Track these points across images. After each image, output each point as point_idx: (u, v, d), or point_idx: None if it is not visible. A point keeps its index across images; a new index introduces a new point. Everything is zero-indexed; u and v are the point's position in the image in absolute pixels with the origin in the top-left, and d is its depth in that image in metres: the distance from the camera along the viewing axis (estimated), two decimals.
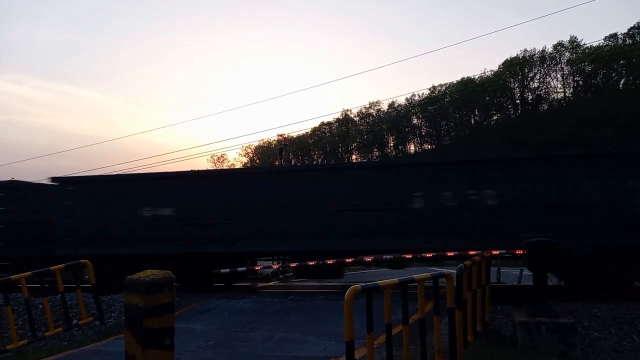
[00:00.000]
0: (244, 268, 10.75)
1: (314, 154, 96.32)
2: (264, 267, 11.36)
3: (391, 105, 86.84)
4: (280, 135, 35.85)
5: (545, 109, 72.23)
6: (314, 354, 5.89)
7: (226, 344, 6.58)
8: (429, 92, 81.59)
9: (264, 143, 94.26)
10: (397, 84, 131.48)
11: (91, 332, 7.85)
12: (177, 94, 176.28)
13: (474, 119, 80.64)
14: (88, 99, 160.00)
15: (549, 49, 71.52)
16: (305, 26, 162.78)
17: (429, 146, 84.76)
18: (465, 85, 73.72)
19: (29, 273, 7.43)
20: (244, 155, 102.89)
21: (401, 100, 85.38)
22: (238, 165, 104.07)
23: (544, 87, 73.15)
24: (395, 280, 4.51)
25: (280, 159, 34.01)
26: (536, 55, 71.99)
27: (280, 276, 14.17)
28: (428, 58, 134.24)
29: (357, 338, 4.01)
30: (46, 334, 7.37)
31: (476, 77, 75.25)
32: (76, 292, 8.09)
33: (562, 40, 71.02)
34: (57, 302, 8.40)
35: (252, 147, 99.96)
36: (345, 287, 11.10)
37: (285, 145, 35.77)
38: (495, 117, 77.98)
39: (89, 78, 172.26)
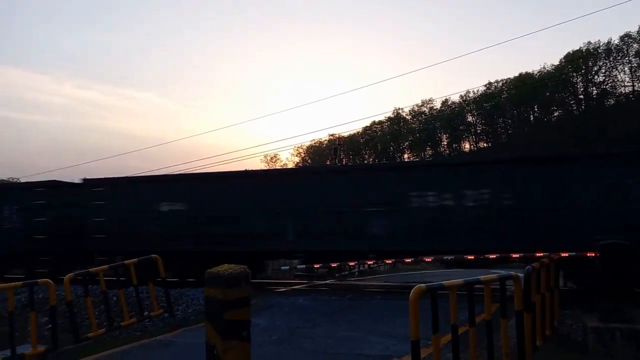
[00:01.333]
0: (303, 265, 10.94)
1: (365, 154, 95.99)
2: (321, 266, 11.51)
3: (444, 102, 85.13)
4: (332, 135, 36.13)
5: (611, 104, 68.09)
6: (377, 352, 5.93)
7: (290, 339, 6.76)
8: (485, 88, 79.08)
9: (315, 143, 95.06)
10: (451, 81, 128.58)
11: (161, 323, 8.30)
12: (233, 97, 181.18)
13: (533, 116, 77.38)
14: (151, 102, 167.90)
15: (615, 40, 67.46)
16: (356, 24, 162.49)
17: (485, 144, 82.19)
18: (524, 80, 70.84)
19: (106, 267, 7.97)
20: (296, 155, 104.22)
21: (455, 98, 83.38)
22: (290, 165, 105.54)
23: (610, 81, 69.07)
24: (460, 280, 4.48)
25: (335, 158, 34.20)
26: (601, 48, 68.05)
27: (337, 275, 14.29)
28: (483, 54, 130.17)
29: (422, 338, 4.02)
30: (122, 323, 7.87)
31: (535, 72, 72.13)
32: (148, 285, 8.57)
33: (629, 31, 66.76)
34: (129, 295, 8.94)
35: (304, 147, 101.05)
36: (403, 288, 11.05)
37: (340, 144, 35.93)
38: (556, 114, 74.45)
39: (151, 82, 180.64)
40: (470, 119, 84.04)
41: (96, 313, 8.92)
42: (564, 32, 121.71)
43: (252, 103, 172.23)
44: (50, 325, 7.61)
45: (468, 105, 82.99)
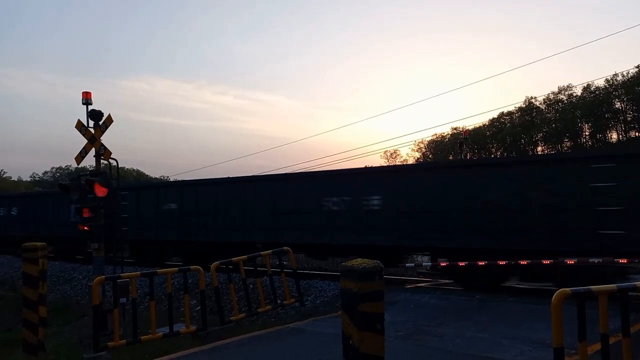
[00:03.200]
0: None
1: (492, 147, 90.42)
2: (425, 263, 11.25)
3: (586, 88, 76.28)
4: (455, 129, 34.77)
5: None
6: (510, 357, 5.65)
7: (415, 336, 6.75)
8: (637, 70, 69.20)
9: (437, 137, 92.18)
10: (593, 66, 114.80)
11: (293, 312, 8.86)
12: (354, 96, 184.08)
13: None
14: (277, 104, 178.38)
15: None
16: (482, 8, 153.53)
17: (637, 133, 72.11)
18: None
19: (245, 257, 8.73)
20: (417, 151, 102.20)
21: (599, 83, 74.33)
22: (411, 161, 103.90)
23: None
24: (612, 286, 4.09)
25: (460, 153, 32.91)
26: None
27: (433, 272, 13.77)
28: (632, 33, 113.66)
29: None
30: (259, 310, 8.57)
31: None
32: (280, 275, 9.19)
33: None
34: (264, 284, 9.68)
35: (425, 142, 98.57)
36: (535, 291, 10.32)
37: (466, 138, 34.46)
38: None
39: (276, 85, 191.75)
40: (618, 105, 74.33)
41: (237, 298, 9.86)
42: None
43: (371, 102, 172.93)
44: (199, 307, 8.59)
45: (615, 90, 73.45)
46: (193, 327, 7.68)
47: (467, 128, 63.44)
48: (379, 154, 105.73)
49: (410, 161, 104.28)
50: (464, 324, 7.28)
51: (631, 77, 70.39)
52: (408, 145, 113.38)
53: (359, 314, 3.41)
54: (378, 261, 3.65)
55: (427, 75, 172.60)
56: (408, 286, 10.62)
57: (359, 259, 3.74)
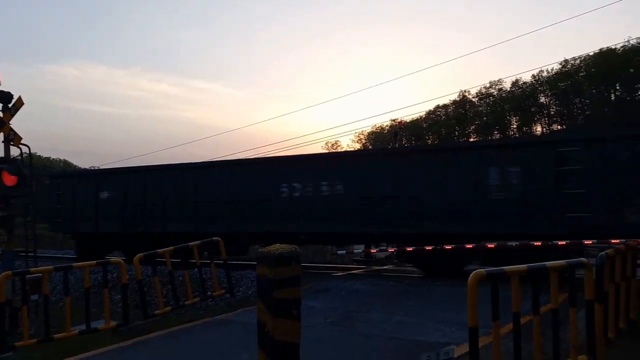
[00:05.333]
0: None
1: (429, 139, 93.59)
2: (380, 250, 11.39)
3: (515, 83, 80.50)
4: (394, 120, 35.56)
5: None
6: (434, 339, 5.79)
7: (345, 322, 6.77)
8: (560, 66, 73.89)
9: (376, 128, 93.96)
10: (522, 61, 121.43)
11: (223, 303, 8.62)
12: (293, 84, 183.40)
13: (615, 95, 71.43)
14: (215, 93, 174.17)
15: None
16: (420, 4, 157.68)
17: (559, 126, 77.22)
18: (605, 56, 65.38)
19: (171, 248, 8.37)
20: (357, 142, 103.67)
21: (526, 78, 78.68)
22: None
23: None
24: (523, 266, 4.24)
25: (395, 143, 33.68)
26: None
27: (395, 260, 14.10)
28: (558, 29, 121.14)
29: (480, 327, 3.85)
30: (186, 302, 8.25)
31: (618, 46, 66.27)
32: (210, 267, 8.90)
33: None
34: (193, 276, 9.34)
35: (365, 133, 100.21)
36: (463, 275, 10.68)
37: (400, 129, 35.30)
38: None
39: (217, 73, 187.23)
40: (543, 100, 79.13)
41: (164, 292, 9.45)
42: None
43: (311, 91, 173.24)
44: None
45: (541, 85, 78.11)
46: (113, 323, 7.25)
47: (404, 120, 65.21)
48: (321, 145, 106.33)
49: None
50: (393, 309, 7.40)
51: (555, 73, 75.15)
52: (349, 136, 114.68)
53: (274, 300, 3.28)
54: (295, 246, 3.55)
55: (369, 65, 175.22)
56: (339, 273, 10.67)
57: (277, 244, 3.62)
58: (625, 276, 5.40)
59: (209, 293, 8.73)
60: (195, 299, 8.41)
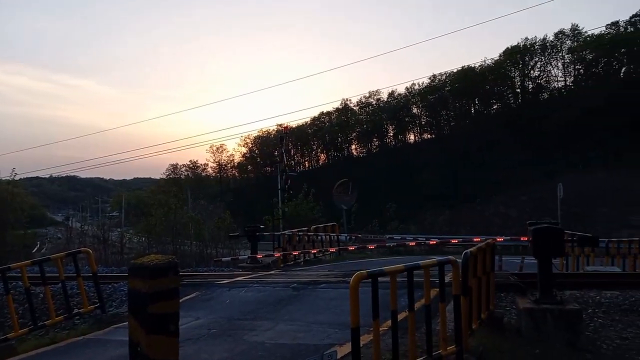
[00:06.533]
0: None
1: (314, 144, 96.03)
2: (266, 256, 11.31)
3: (391, 94, 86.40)
4: (280, 125, 35.73)
5: (545, 97, 71.82)
6: (318, 341, 5.85)
7: (229, 332, 6.54)
8: (429, 81, 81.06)
9: (263, 133, 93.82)
10: (397, 73, 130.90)
11: (92, 320, 7.81)
12: (176, 85, 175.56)
13: (474, 108, 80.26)
14: (87, 90, 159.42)
15: (550, 37, 70.93)
16: (304, 13, 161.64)
17: (429, 136, 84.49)
18: (466, 74, 73.17)
19: (29, 262, 7.37)
20: (243, 146, 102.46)
21: (401, 90, 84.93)
22: (237, 156, 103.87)
23: (545, 75, 72.65)
24: (401, 266, 4.47)
25: (281, 148, 33.89)
26: (537, 44, 71.39)
27: (282, 265, 14.12)
28: (428, 46, 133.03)
29: (362, 325, 3.96)
30: (47, 322, 7.32)
31: (477, 65, 74.67)
32: (77, 280, 8.02)
33: (563, 28, 70.42)
34: (57, 292, 8.35)
35: (252, 137, 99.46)
36: (348, 276, 11.04)
37: (286, 134, 35.61)
38: (495, 107, 77.62)
39: (88, 70, 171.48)
40: (415, 110, 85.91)
41: (20, 312, 8.30)
42: (503, 27, 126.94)
43: (195, 92, 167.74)
44: None
45: (413, 97, 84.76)
46: None
47: (290, 125, 66.03)
48: (205, 148, 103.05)
49: (237, 156, 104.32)
50: (278, 314, 7.34)
51: (425, 87, 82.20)
52: (235, 139, 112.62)
53: (149, 315, 3.02)
54: (173, 256, 3.31)
55: (256, 70, 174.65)
56: (224, 281, 10.34)
57: (152, 255, 3.35)
58: (485, 271, 5.98)
59: (75, 310, 7.85)
60: (59, 318, 7.49)
